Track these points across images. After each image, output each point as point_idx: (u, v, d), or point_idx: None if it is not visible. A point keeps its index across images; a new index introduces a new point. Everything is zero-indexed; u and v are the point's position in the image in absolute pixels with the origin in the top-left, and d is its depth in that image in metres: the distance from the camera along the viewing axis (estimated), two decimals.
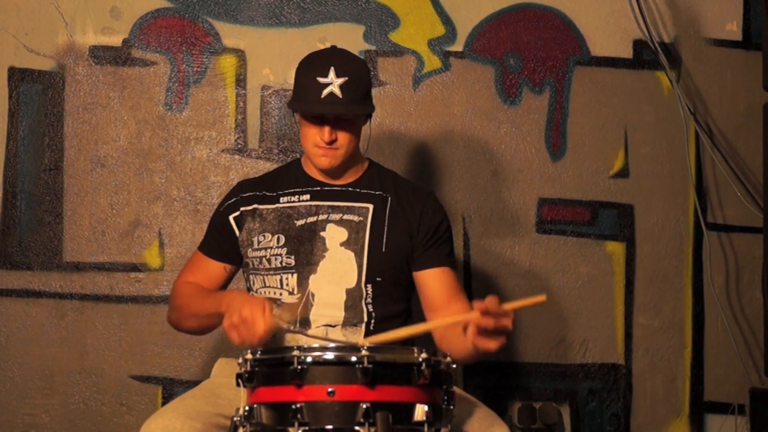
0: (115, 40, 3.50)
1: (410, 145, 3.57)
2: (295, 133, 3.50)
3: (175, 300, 2.74)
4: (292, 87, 2.71)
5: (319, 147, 2.62)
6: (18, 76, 3.48)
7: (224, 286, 2.78)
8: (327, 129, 2.60)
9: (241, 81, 3.53)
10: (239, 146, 3.52)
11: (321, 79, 2.58)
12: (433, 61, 3.59)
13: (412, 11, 3.59)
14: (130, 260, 3.48)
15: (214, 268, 2.76)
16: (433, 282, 2.66)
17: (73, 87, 3.49)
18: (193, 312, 2.67)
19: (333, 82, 2.58)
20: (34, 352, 3.44)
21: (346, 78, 2.58)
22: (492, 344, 2.27)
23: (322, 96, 2.57)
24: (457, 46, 3.60)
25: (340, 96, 2.57)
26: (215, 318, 2.50)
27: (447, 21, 3.60)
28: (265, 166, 3.43)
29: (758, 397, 3.46)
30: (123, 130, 3.50)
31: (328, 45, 2.80)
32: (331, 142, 2.61)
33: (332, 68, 2.58)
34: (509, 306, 2.29)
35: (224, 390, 2.51)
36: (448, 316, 2.53)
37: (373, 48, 3.56)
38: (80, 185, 3.48)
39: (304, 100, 2.61)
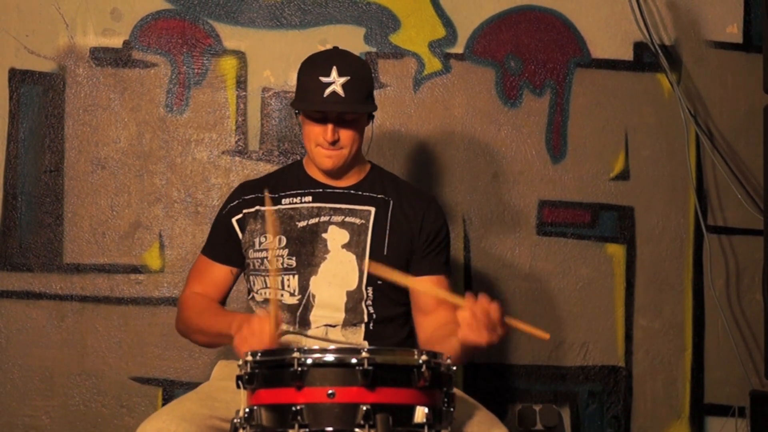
0: (116, 42, 3.50)
1: (411, 147, 3.57)
2: (296, 134, 3.50)
3: (183, 313, 2.73)
4: (292, 89, 2.72)
5: (323, 147, 2.63)
6: (19, 77, 3.48)
7: (230, 289, 2.79)
8: (330, 128, 2.60)
9: (241, 83, 3.53)
10: (240, 148, 3.52)
11: (323, 79, 2.58)
12: (433, 63, 3.59)
13: (413, 13, 3.59)
14: (131, 262, 3.48)
15: (220, 272, 2.75)
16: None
17: (73, 88, 3.49)
18: (201, 329, 2.67)
19: (335, 81, 2.58)
20: (35, 353, 3.44)
21: (349, 77, 2.58)
22: (476, 337, 2.27)
23: (325, 95, 2.57)
24: (458, 48, 3.60)
25: (343, 95, 2.57)
26: (224, 339, 2.50)
27: (447, 23, 3.60)
28: (265, 168, 3.43)
29: (758, 400, 3.45)
30: (123, 132, 3.50)
31: (328, 47, 2.80)
32: (334, 142, 2.61)
33: (334, 67, 2.58)
34: (509, 321, 2.29)
35: (221, 393, 2.50)
36: (441, 291, 2.59)
37: (374, 50, 3.56)
38: (81, 187, 3.48)
39: (307, 99, 2.61)
